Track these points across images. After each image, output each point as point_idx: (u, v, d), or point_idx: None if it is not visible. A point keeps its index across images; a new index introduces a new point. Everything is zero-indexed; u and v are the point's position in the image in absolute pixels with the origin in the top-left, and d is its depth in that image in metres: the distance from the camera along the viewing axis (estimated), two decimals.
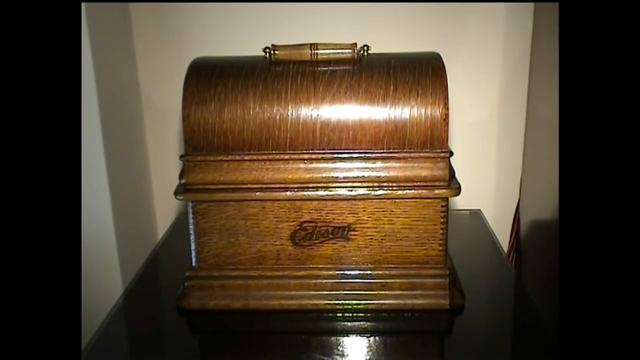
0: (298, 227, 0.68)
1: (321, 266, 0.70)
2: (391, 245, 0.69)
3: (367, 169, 0.66)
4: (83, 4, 0.81)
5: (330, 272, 0.70)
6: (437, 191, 0.66)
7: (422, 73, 0.66)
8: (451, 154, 0.66)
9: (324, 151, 0.66)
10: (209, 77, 0.67)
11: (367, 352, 0.62)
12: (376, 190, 0.66)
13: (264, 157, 0.66)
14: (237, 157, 0.66)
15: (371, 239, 0.69)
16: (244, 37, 1.03)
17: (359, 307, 0.69)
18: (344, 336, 0.66)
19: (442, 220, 0.67)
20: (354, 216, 0.68)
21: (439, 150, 0.66)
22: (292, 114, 0.66)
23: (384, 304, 0.69)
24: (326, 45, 0.68)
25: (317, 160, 0.66)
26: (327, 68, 0.67)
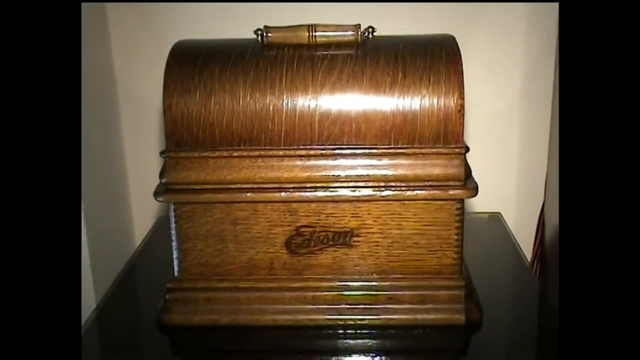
0: (294, 232, 0.68)
1: (320, 277, 0.70)
2: (399, 253, 0.69)
3: (372, 167, 0.66)
4: None
5: (331, 284, 0.70)
6: (451, 192, 0.66)
7: (435, 58, 0.66)
8: (467, 149, 0.66)
9: (323, 147, 0.66)
10: (193, 63, 0.68)
11: None
12: (382, 191, 0.66)
13: (256, 153, 0.66)
14: (225, 154, 0.66)
15: (377, 245, 0.69)
16: (233, 18, 1.03)
17: (362, 323, 0.69)
18: (346, 356, 0.66)
19: (457, 224, 0.68)
20: (357, 220, 0.68)
21: (454, 146, 0.66)
22: (287, 105, 0.66)
23: (392, 319, 0.69)
24: (326, 27, 0.68)
25: (316, 156, 0.66)
26: (326, 52, 0.68)
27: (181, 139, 0.67)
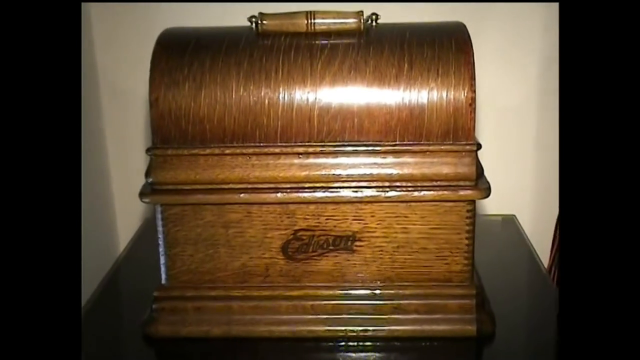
0: (291, 236, 0.69)
1: (320, 284, 0.70)
2: (405, 259, 0.69)
3: (376, 166, 0.66)
4: None
5: (331, 292, 0.70)
6: (461, 192, 0.66)
7: (443, 48, 0.67)
8: (479, 146, 0.66)
9: (323, 143, 0.66)
10: (182, 53, 0.68)
11: None
12: (387, 192, 0.66)
13: (250, 150, 0.66)
14: (217, 151, 0.67)
15: (381, 251, 0.69)
16: (225, 4, 1.03)
17: (366, 334, 0.70)
18: None
19: (467, 228, 0.68)
20: (359, 223, 0.68)
21: (464, 142, 0.66)
22: (284, 98, 0.66)
23: (397, 330, 0.69)
24: (326, 14, 0.68)
25: (315, 154, 0.66)
26: (326, 41, 0.68)
27: (169, 135, 0.67)
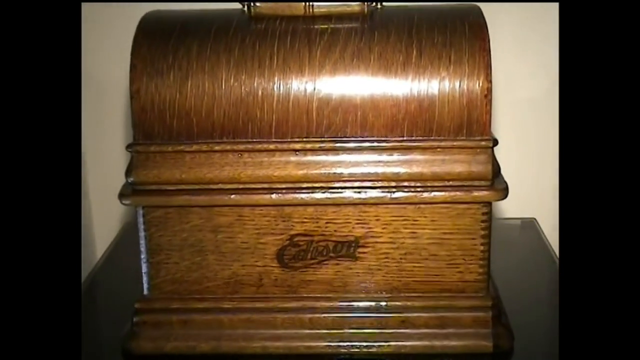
0: (287, 242, 0.69)
1: (319, 295, 0.70)
2: (414, 267, 0.69)
3: (382, 163, 0.67)
4: None
5: (332, 304, 0.70)
6: (476, 193, 0.66)
7: (456, 33, 0.67)
8: (495, 142, 0.66)
9: (322, 139, 0.66)
10: (166, 39, 0.68)
11: None
12: (393, 192, 0.67)
13: (242, 147, 0.66)
14: (205, 147, 0.67)
15: (387, 258, 0.69)
16: None
17: (370, 350, 0.69)
18: None
19: (483, 232, 0.68)
20: (363, 227, 0.68)
21: (479, 138, 0.66)
22: (279, 89, 0.66)
23: (405, 346, 0.69)
24: None
25: (314, 151, 0.66)
26: (326, 26, 0.68)
27: (152, 130, 0.67)
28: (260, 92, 0.66)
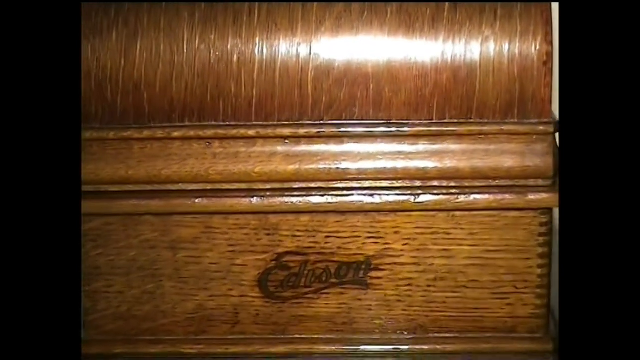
0: (273, 263, 0.69)
1: (316, 337, 0.70)
2: (447, 298, 0.69)
3: (402, 156, 0.67)
4: None
5: (334, 348, 0.70)
6: (532, 196, 0.66)
7: None
8: (558, 127, 0.66)
9: (321, 123, 0.67)
10: None
11: None
12: (418, 195, 0.67)
13: (210, 132, 0.67)
14: (160, 133, 0.67)
15: (409, 285, 0.69)
16: None
17: None
18: None
19: (541, 250, 0.68)
20: (377, 243, 0.68)
21: (536, 121, 0.66)
22: (261, 53, 0.66)
23: None
24: None
25: (309, 138, 0.67)
26: None
27: (87, 110, 0.67)
28: (235, 58, 0.66)
